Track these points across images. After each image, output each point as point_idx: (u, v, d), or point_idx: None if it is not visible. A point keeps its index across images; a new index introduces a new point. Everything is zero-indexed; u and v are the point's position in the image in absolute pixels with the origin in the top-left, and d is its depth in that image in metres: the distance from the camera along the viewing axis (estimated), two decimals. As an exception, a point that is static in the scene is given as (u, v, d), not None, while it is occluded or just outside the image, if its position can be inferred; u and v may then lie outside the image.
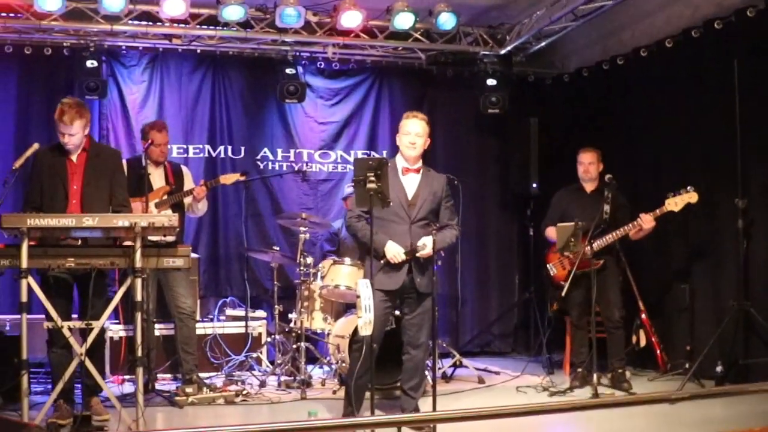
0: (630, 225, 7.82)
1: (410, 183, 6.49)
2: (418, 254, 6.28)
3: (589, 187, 8.35)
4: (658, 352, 8.62)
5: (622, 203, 8.10)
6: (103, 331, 7.04)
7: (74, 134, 6.50)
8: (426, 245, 6.28)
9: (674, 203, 7.65)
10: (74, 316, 6.61)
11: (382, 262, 6.25)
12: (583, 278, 7.86)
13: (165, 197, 7.87)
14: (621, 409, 6.90)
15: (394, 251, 6.27)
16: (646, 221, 7.73)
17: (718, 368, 7.85)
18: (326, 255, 9.10)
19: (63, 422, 6.38)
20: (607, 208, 7.71)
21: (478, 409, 3.61)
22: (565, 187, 8.62)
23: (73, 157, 6.63)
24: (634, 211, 7.95)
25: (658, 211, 7.72)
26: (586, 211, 7.89)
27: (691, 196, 7.62)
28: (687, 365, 8.06)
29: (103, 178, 6.68)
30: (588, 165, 8.30)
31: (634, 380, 8.15)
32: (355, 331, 6.41)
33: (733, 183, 7.88)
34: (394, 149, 7.10)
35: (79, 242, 6.35)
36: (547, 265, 8.41)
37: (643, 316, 8.65)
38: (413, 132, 6.50)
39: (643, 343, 8.74)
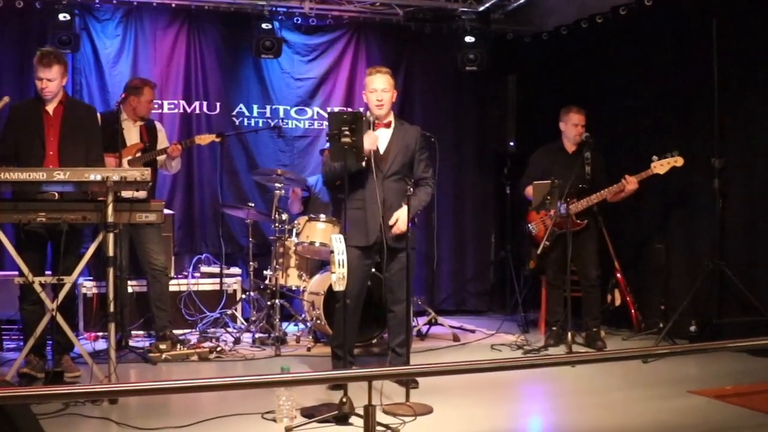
0: (614, 186, 7.79)
1: (382, 137, 6.42)
2: (393, 232, 6.28)
3: (570, 147, 8.27)
4: (633, 311, 8.65)
5: (602, 165, 8.08)
6: (74, 286, 6.97)
7: (52, 80, 6.46)
8: (399, 219, 6.29)
9: (660, 166, 7.64)
10: (48, 273, 6.54)
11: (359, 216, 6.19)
12: (562, 237, 7.85)
13: (138, 155, 7.79)
14: (594, 367, 6.95)
15: (367, 142, 6.13)
16: (631, 182, 7.71)
17: (692, 328, 7.92)
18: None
19: (36, 373, 6.35)
20: (588, 169, 7.74)
21: (453, 363, 3.60)
22: (544, 145, 8.54)
23: (49, 109, 6.56)
24: (613, 174, 7.92)
25: (643, 173, 7.69)
26: (569, 172, 7.83)
27: (676, 161, 7.62)
28: (661, 325, 8.11)
29: (80, 132, 6.63)
30: (581, 127, 8.16)
31: (608, 339, 8.19)
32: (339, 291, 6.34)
33: (709, 142, 7.88)
34: (370, 106, 7.00)
35: (57, 197, 6.27)
36: (528, 225, 8.36)
37: (618, 275, 8.67)
38: (379, 89, 6.39)
39: (618, 302, 8.78)
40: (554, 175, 7.84)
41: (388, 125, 6.46)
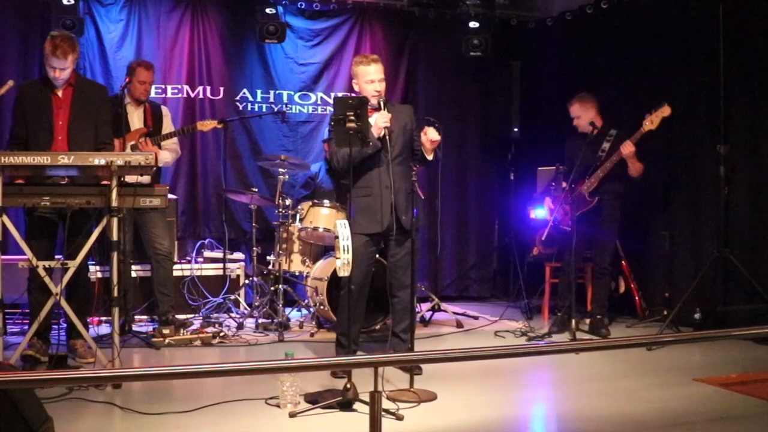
0: (614, 156, 7.76)
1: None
2: (431, 138, 6.21)
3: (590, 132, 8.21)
4: (637, 298, 8.66)
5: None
6: (86, 271, 6.91)
7: (66, 68, 6.39)
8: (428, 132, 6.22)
9: (650, 122, 7.59)
10: (60, 257, 6.50)
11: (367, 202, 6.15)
12: (581, 222, 7.81)
13: (142, 140, 7.75)
14: (598, 354, 6.94)
15: (381, 120, 6.11)
16: (626, 146, 7.67)
17: (697, 315, 7.89)
18: (301, 201, 9.05)
19: (39, 356, 6.34)
20: (606, 145, 7.77)
21: (459, 349, 3.58)
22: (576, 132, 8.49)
23: (59, 92, 6.51)
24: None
25: (636, 134, 7.64)
26: (588, 156, 7.89)
27: (664, 111, 7.55)
28: (665, 312, 8.10)
29: (89, 114, 6.57)
30: (576, 120, 8.16)
31: (612, 326, 8.17)
32: (342, 277, 6.27)
33: (715, 129, 7.85)
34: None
35: (65, 181, 6.23)
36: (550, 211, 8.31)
37: (623, 262, 8.67)
38: (377, 79, 6.27)
39: (622, 289, 8.77)
40: (575, 160, 7.84)
41: (379, 110, 6.30)
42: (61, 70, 6.37)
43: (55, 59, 6.32)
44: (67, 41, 6.39)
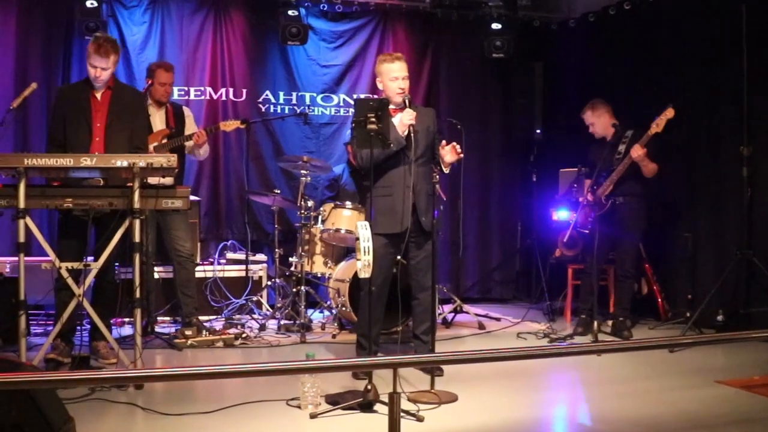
0: (626, 159, 7.75)
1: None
2: (449, 160, 6.21)
3: (608, 137, 8.22)
4: (659, 300, 8.62)
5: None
6: (112, 273, 6.93)
7: (107, 68, 6.45)
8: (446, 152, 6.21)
9: (656, 125, 7.58)
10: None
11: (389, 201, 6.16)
12: (602, 223, 7.80)
13: (164, 141, 7.78)
14: (621, 356, 6.91)
15: (406, 118, 6.10)
16: (635, 149, 7.66)
17: (719, 317, 7.85)
18: (325, 202, 9.06)
19: (62, 359, 6.37)
20: (622, 147, 7.81)
21: (479, 351, 3.57)
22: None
23: (98, 95, 6.56)
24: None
25: (644, 138, 7.62)
26: (608, 159, 7.92)
27: (668, 113, 7.54)
28: (688, 314, 8.04)
29: (126, 117, 6.61)
30: (591, 127, 8.21)
31: (634, 328, 8.13)
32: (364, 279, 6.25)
33: (738, 130, 7.81)
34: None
35: (101, 183, 6.26)
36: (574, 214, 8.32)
37: (645, 264, 8.63)
38: (401, 76, 6.27)
39: (644, 291, 8.74)
40: (599, 164, 7.85)
41: (402, 110, 6.25)
42: (102, 69, 6.43)
43: (98, 57, 6.39)
44: (110, 42, 6.50)
